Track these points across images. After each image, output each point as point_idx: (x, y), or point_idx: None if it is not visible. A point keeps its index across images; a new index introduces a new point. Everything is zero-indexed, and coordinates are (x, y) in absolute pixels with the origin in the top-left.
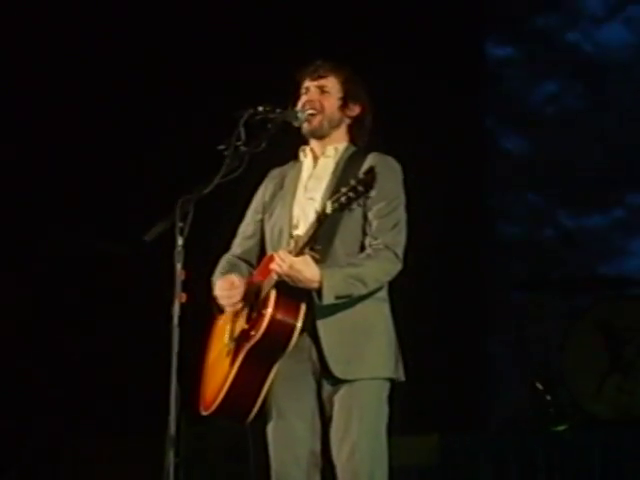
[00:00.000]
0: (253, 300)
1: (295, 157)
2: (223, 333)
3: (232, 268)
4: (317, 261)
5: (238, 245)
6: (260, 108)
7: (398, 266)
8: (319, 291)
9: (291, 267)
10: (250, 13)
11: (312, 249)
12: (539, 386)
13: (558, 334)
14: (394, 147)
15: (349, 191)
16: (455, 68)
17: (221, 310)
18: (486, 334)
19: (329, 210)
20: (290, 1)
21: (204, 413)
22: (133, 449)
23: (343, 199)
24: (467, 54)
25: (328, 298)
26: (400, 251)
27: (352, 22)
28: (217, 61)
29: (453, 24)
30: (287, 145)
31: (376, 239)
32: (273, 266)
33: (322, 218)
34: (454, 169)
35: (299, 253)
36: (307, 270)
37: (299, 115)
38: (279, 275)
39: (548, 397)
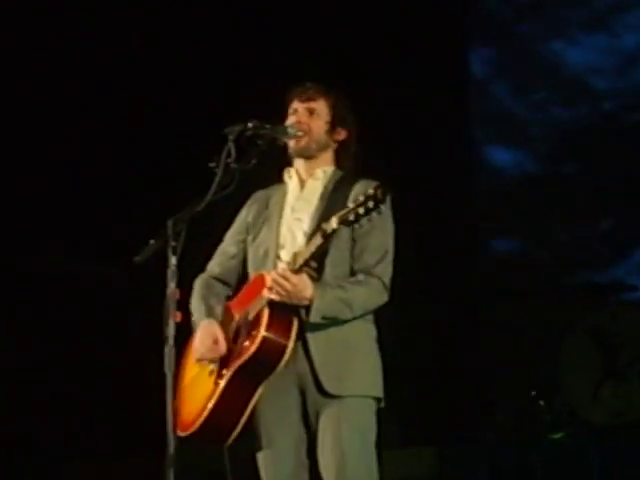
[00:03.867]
0: (240, 321)
1: (279, 179)
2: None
3: (208, 290)
4: (312, 279)
5: (217, 264)
6: (250, 124)
7: (385, 297)
8: (307, 308)
9: (293, 285)
10: (242, 33)
11: (309, 266)
12: (534, 394)
13: (553, 342)
14: (380, 164)
15: (358, 207)
16: (440, 84)
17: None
18: (480, 344)
19: (335, 225)
20: (273, 25)
21: (181, 434)
22: (133, 470)
23: (351, 216)
24: (451, 69)
25: (315, 317)
26: (388, 281)
27: (336, 42)
28: (206, 80)
29: (436, 38)
30: (271, 167)
31: (367, 267)
32: (271, 282)
33: (328, 234)
34: (440, 181)
35: (298, 270)
36: (304, 288)
37: (289, 130)
38: (278, 291)
39: (542, 403)
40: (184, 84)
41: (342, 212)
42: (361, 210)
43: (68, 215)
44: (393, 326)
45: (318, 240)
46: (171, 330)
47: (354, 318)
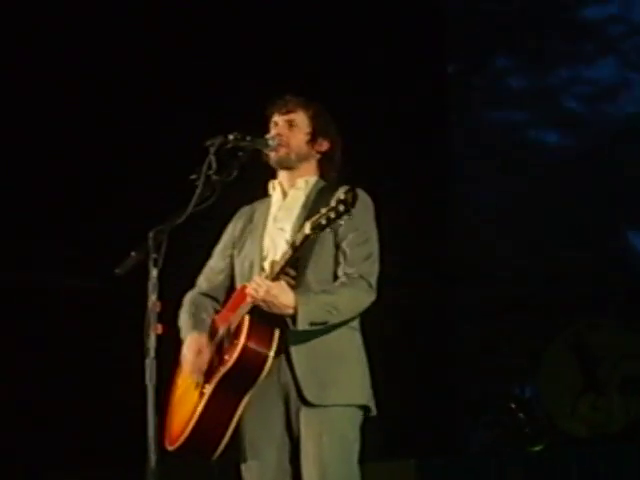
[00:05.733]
0: (223, 333)
1: (265, 194)
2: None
3: (196, 307)
4: (292, 287)
5: (205, 280)
6: (231, 136)
7: (372, 296)
8: (294, 317)
9: (267, 292)
10: (227, 46)
11: (287, 274)
12: (513, 406)
13: (532, 354)
14: (361, 177)
15: (329, 211)
16: (421, 95)
17: None
18: (459, 356)
19: (308, 231)
20: (256, 38)
21: (169, 448)
22: None
23: (323, 220)
24: (433, 81)
25: (302, 324)
26: (374, 281)
27: (318, 55)
28: (192, 90)
29: (418, 50)
30: (257, 182)
31: (350, 268)
32: (249, 291)
33: (300, 240)
34: (420, 194)
35: (275, 278)
36: (283, 295)
37: (269, 142)
38: (255, 300)
39: (522, 415)
40: (165, 96)
41: (314, 217)
42: (332, 214)
43: (48, 228)
44: (374, 338)
45: (291, 247)
46: (152, 342)
47: (344, 322)
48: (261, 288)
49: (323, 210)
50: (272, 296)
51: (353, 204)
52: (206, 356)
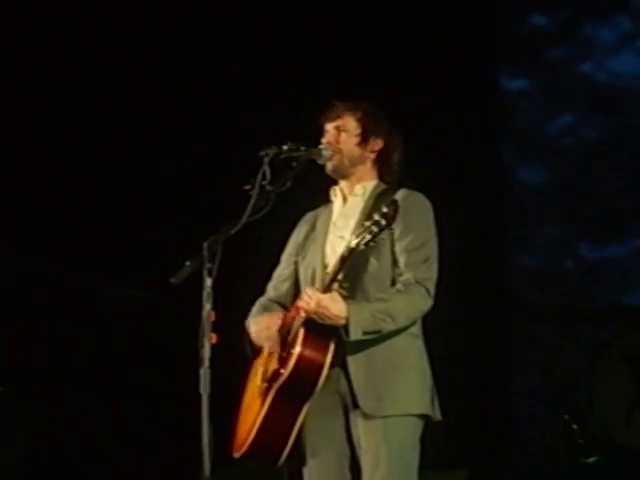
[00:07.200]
0: (285, 340)
1: (327, 199)
2: (257, 375)
3: (265, 311)
4: (345, 297)
5: (272, 288)
6: (285, 147)
7: (429, 302)
8: (346, 327)
9: (318, 304)
10: (266, 57)
11: (340, 285)
12: (567, 418)
13: (586, 365)
14: (411, 182)
15: (372, 225)
16: (471, 102)
17: (255, 352)
18: (512, 367)
19: (353, 245)
20: (304, 44)
21: (236, 455)
22: None
23: (366, 234)
24: (483, 87)
25: (355, 334)
26: (431, 286)
27: (368, 59)
28: (238, 104)
29: (468, 58)
30: (319, 187)
31: (406, 273)
32: (301, 303)
33: (346, 253)
34: (471, 202)
35: (326, 290)
36: (334, 306)
37: (323, 152)
38: (307, 312)
39: (575, 427)
40: (217, 108)
41: (359, 231)
42: (375, 228)
43: (102, 239)
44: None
45: (340, 261)
46: (207, 352)
47: (402, 329)
48: (312, 300)
49: (367, 223)
50: (323, 307)
51: (394, 218)
52: (274, 327)
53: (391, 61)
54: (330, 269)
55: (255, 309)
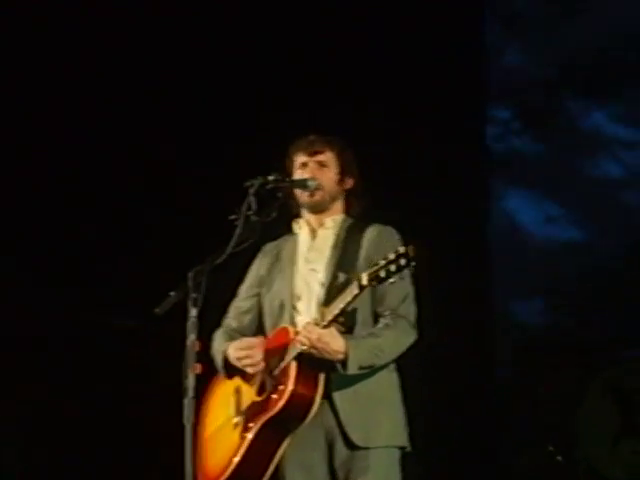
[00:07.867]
0: (264, 374)
1: (288, 230)
2: (225, 405)
3: (231, 340)
4: (341, 332)
5: (233, 319)
6: (271, 177)
7: (413, 336)
8: (344, 361)
9: (319, 339)
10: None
11: (337, 321)
12: (552, 449)
13: (572, 396)
14: (395, 213)
15: (389, 264)
16: (457, 131)
17: (231, 376)
18: (496, 399)
19: (365, 282)
20: (281, 73)
21: None
22: None
23: (382, 272)
24: (469, 116)
25: (352, 369)
26: (414, 320)
27: (352, 87)
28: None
29: (455, 87)
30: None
31: (391, 309)
32: (300, 338)
33: (357, 291)
34: (455, 234)
35: (327, 325)
36: (334, 342)
37: (309, 184)
38: (306, 347)
39: (560, 458)
40: (204, 136)
41: (372, 269)
42: (392, 267)
43: (84, 268)
44: (410, 383)
45: (348, 297)
46: (191, 382)
47: (387, 363)
48: (312, 335)
49: (382, 262)
50: (324, 343)
51: (415, 258)
52: (259, 348)
53: (374, 90)
54: (333, 304)
55: (219, 339)
